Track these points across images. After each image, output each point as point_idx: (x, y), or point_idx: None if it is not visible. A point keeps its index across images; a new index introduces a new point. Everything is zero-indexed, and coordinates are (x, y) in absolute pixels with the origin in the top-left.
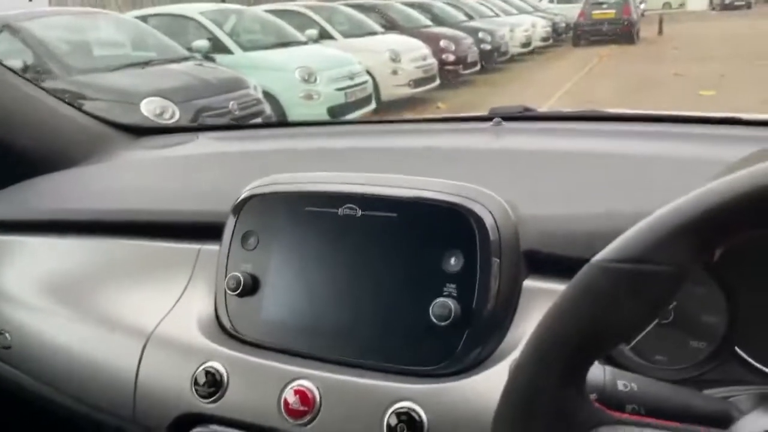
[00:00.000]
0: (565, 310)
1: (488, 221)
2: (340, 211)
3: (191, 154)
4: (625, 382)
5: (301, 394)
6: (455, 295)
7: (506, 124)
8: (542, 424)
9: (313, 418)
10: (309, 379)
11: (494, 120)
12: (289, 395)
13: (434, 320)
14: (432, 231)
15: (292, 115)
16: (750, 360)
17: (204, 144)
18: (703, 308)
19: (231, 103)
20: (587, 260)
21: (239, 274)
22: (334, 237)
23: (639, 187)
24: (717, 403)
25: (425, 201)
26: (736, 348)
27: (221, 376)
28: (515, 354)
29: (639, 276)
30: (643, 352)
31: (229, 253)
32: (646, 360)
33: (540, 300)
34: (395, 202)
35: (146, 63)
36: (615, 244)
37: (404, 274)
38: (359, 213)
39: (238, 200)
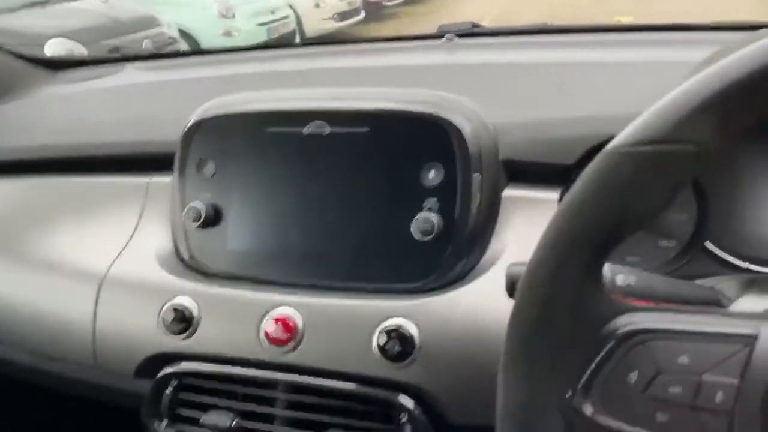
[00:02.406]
0: (584, 199)
1: (467, 131)
2: (305, 129)
3: (122, 85)
4: (623, 276)
5: (283, 322)
6: (436, 209)
7: (458, 41)
8: (563, 320)
9: (298, 344)
10: (289, 305)
11: (446, 36)
12: (269, 325)
13: (416, 236)
14: (407, 144)
15: None
16: (720, 254)
17: (133, 74)
18: (673, 207)
19: (144, 42)
20: (566, 166)
21: (199, 204)
22: (302, 158)
23: (606, 92)
24: (707, 291)
25: (399, 113)
26: (706, 243)
27: (191, 311)
28: (500, 264)
29: (660, 157)
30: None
31: (184, 182)
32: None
33: (520, 209)
34: (366, 116)
35: (45, 1)
36: (632, 128)
37: (381, 192)
38: (327, 130)
39: (190, 124)
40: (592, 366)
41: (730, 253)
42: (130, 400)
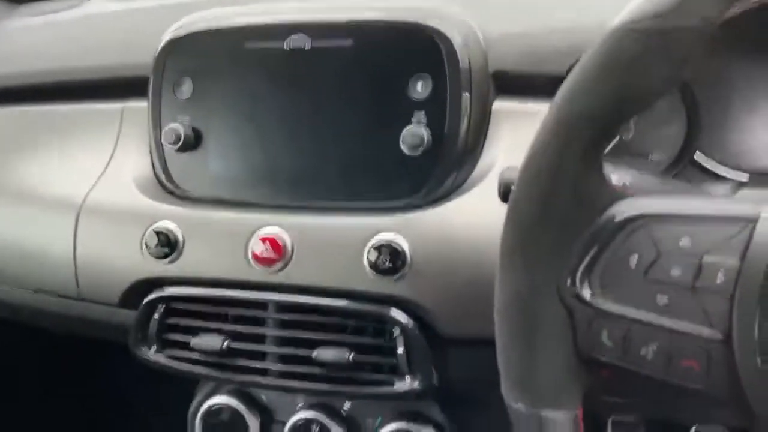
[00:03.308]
0: (587, 79)
1: (456, 40)
2: (286, 44)
3: (88, 14)
4: (617, 176)
5: (270, 241)
6: (425, 122)
7: None
8: (563, 207)
9: (287, 264)
10: (276, 225)
11: None
12: (256, 245)
13: (405, 150)
14: (394, 56)
15: None
16: (710, 165)
17: (100, 4)
18: (663, 120)
19: None
20: (558, 76)
21: (177, 126)
22: (283, 74)
23: (598, 2)
24: (698, 191)
25: (384, 23)
26: (696, 155)
27: (174, 235)
28: (490, 178)
29: (665, 33)
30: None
31: (160, 104)
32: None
33: (510, 122)
34: (350, 28)
35: None
36: (635, 5)
37: (367, 107)
38: (309, 45)
39: (164, 43)
40: (592, 252)
41: (720, 164)
42: (116, 332)
